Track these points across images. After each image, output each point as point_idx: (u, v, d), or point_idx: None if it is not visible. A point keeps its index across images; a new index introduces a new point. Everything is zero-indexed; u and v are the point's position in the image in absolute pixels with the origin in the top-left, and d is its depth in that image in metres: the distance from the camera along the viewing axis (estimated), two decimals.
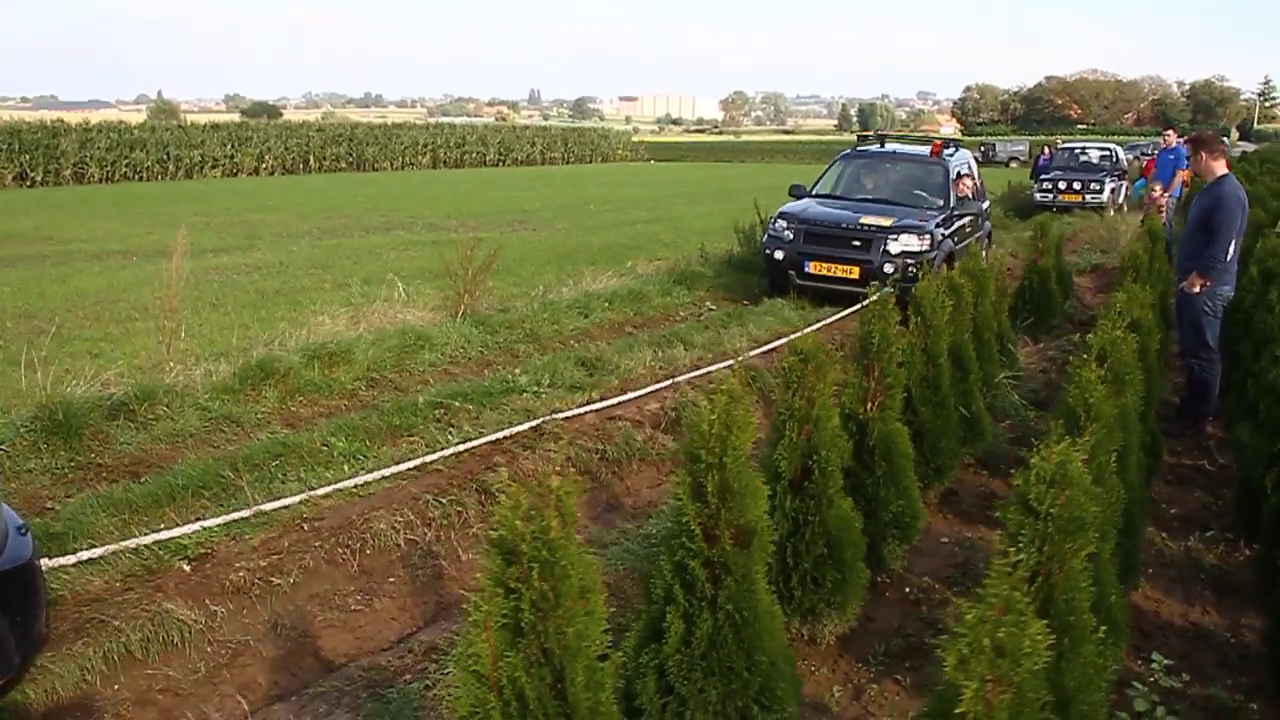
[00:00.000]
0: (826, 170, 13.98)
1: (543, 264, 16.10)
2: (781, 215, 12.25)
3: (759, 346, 9.65)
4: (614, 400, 7.59)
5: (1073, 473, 2.95)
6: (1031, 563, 2.89)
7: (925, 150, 13.80)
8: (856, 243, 11.68)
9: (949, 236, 12.02)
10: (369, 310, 9.96)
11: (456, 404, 7.33)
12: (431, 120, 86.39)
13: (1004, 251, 16.80)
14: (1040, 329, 11.13)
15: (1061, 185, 25.79)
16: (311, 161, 56.57)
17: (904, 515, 4.98)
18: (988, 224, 14.61)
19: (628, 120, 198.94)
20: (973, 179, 14.11)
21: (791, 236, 11.92)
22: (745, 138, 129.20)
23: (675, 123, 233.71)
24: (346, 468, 6.15)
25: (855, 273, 11.56)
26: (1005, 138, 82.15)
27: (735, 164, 75.49)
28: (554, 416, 7.09)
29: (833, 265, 11.70)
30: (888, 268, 11.31)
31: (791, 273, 11.94)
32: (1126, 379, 4.74)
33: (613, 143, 78.80)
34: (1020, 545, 2.93)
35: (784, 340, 9.19)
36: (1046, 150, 31.63)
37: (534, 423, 6.92)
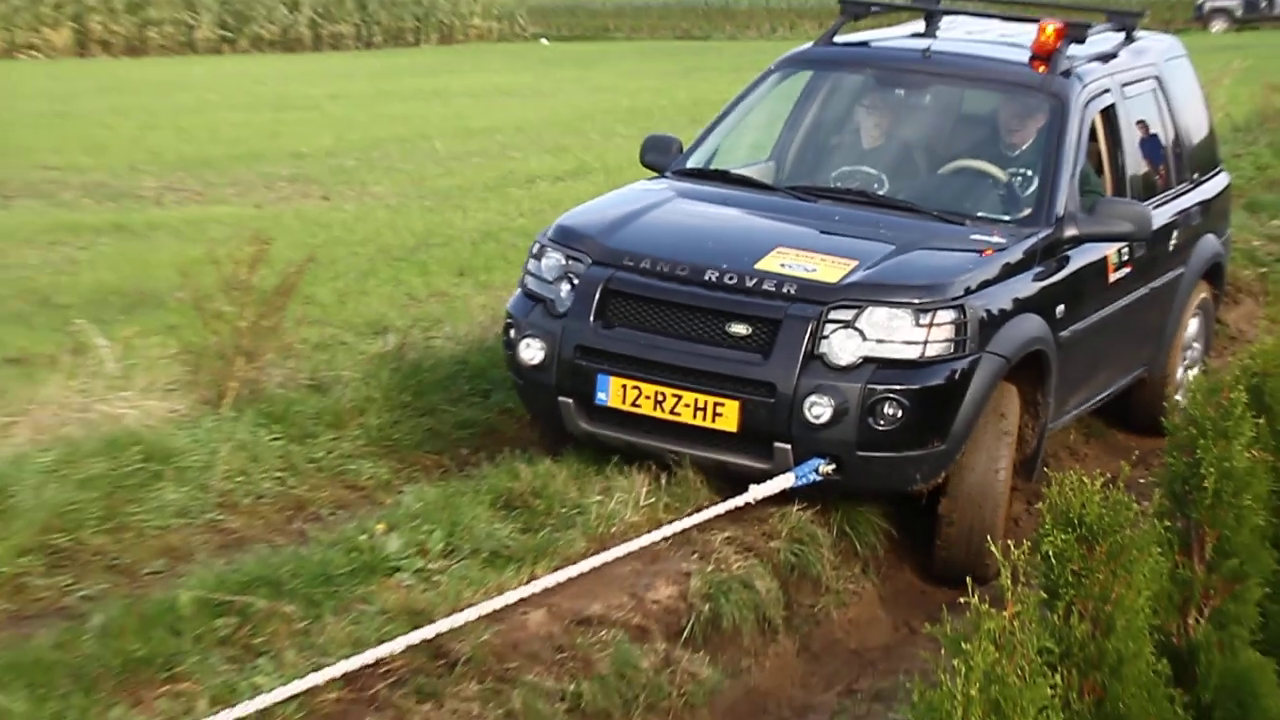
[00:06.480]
0: (744, 96, 6.31)
1: (362, 275, 9.09)
2: (560, 235, 5.40)
3: None
4: (582, 570, 4.31)
5: None
6: None
7: (1019, 37, 6.03)
8: (739, 327, 4.94)
9: (1044, 303, 5.31)
10: (31, 400, 5.78)
11: (259, 603, 4.12)
12: None
13: None
14: None
15: None
16: None
17: None
18: (1214, 243, 6.81)
19: None
20: (1166, 122, 6.47)
21: (570, 301, 5.15)
22: None
23: None
24: None
25: (727, 415, 4.91)
26: None
27: (719, 42, 42.95)
28: (464, 618, 3.97)
29: (666, 390, 4.96)
30: (815, 409, 4.76)
31: (566, 402, 5.13)
32: None
33: (461, 3, 44.92)
34: None
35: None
36: None
37: (428, 632, 3.86)
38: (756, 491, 4.62)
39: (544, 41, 45.02)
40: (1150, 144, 6.32)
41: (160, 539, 4.89)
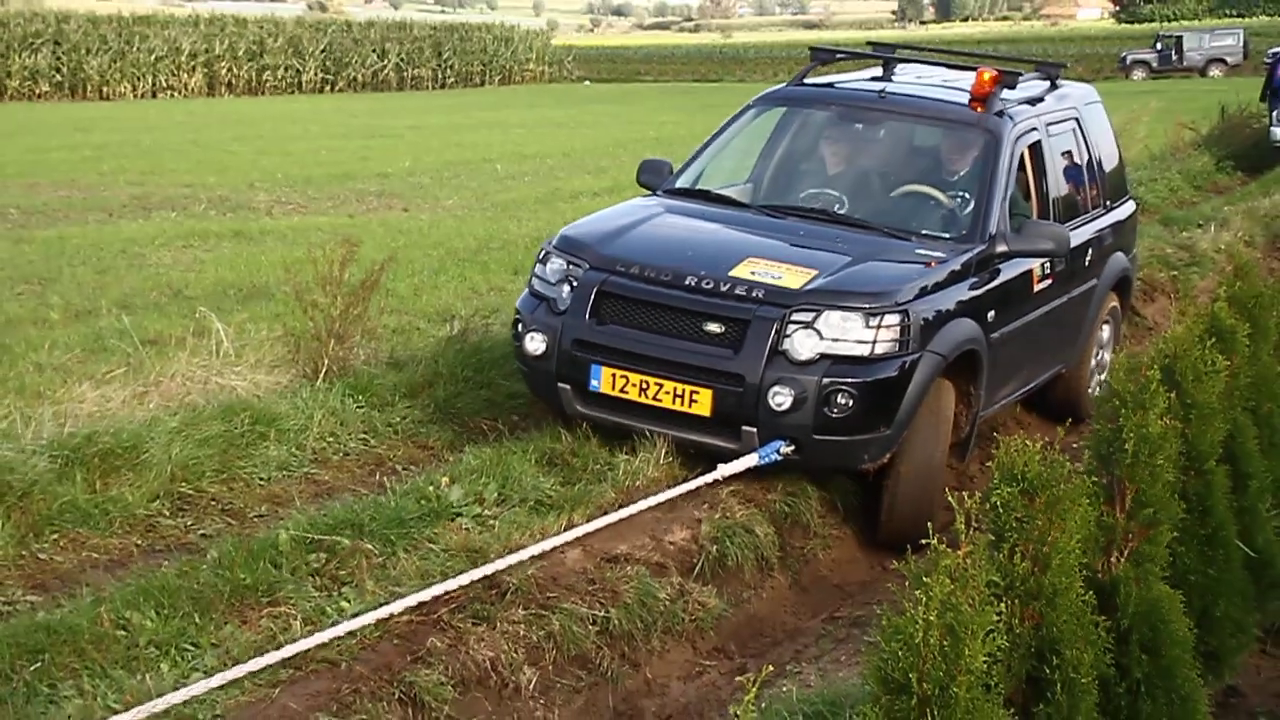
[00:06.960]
0: (726, 127, 6.06)
1: (433, 272, 8.99)
2: (563, 243, 5.14)
3: None
4: (612, 521, 4.20)
5: None
6: None
7: (960, 83, 5.83)
8: (713, 325, 4.69)
9: (977, 309, 5.02)
10: (162, 373, 5.66)
11: (344, 541, 4.07)
12: (200, 9, 44.84)
13: (1232, 236, 9.70)
14: None
15: None
16: None
17: None
18: (1123, 260, 6.56)
19: (537, 10, 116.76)
20: (1084, 156, 6.23)
21: (569, 300, 4.91)
22: (740, 38, 71.43)
23: (619, 13, 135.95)
24: (167, 669, 3.30)
25: (701, 401, 4.67)
26: (1198, 25, 46.09)
27: (729, 84, 41.34)
28: (516, 559, 3.89)
29: (649, 379, 4.72)
30: (778, 398, 4.53)
31: (564, 387, 4.92)
32: None
33: (519, 50, 44.35)
34: None
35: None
36: None
37: (484, 571, 3.78)
38: (724, 470, 4.38)
39: (586, 83, 45.50)
40: (1070, 174, 6.08)
41: (265, 488, 4.86)
